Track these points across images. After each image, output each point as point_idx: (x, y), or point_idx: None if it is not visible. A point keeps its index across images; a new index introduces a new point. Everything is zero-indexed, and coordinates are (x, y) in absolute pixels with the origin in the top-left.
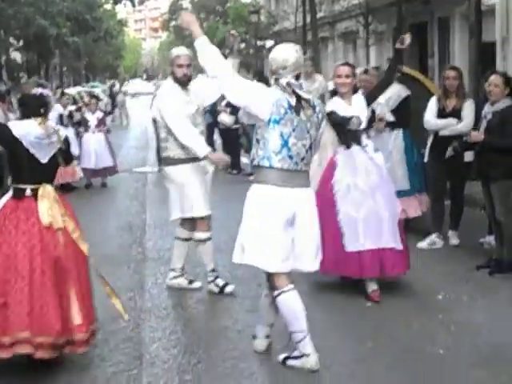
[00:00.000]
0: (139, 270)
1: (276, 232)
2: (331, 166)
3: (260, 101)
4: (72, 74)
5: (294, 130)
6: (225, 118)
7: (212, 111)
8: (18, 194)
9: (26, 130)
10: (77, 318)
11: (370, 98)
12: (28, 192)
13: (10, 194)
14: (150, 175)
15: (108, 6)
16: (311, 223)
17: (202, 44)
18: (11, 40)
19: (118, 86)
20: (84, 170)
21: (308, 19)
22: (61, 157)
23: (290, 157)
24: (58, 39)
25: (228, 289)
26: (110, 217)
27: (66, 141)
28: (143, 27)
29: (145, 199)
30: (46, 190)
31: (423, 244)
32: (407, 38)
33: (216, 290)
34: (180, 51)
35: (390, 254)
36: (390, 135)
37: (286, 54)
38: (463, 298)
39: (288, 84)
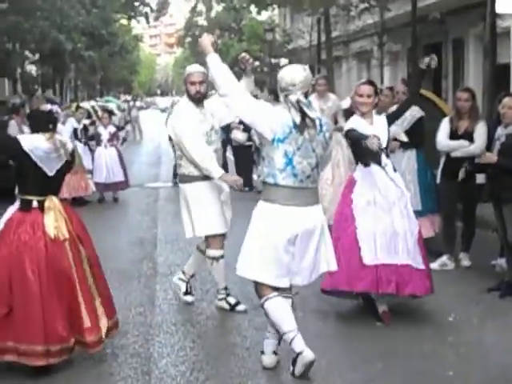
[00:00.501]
0: (150, 285)
1: (275, 252)
2: (350, 183)
3: (265, 120)
4: (86, 88)
5: (298, 149)
6: (238, 135)
7: (225, 128)
8: (25, 206)
9: (34, 144)
10: (87, 321)
11: (392, 118)
12: (35, 204)
13: (16, 205)
14: (161, 190)
15: (124, 21)
16: (313, 241)
17: (213, 61)
18: (27, 53)
19: (132, 101)
20: (96, 184)
21: (323, 38)
22: (67, 168)
23: (295, 175)
24: (73, 53)
25: (239, 307)
26: (121, 231)
27: (72, 153)
28: (158, 43)
29: (156, 214)
30: (52, 202)
31: (434, 265)
32: (434, 59)
33: (227, 307)
34: (193, 69)
35: (406, 271)
36: (403, 155)
37: (294, 72)
38: (473, 320)
39: (297, 101)
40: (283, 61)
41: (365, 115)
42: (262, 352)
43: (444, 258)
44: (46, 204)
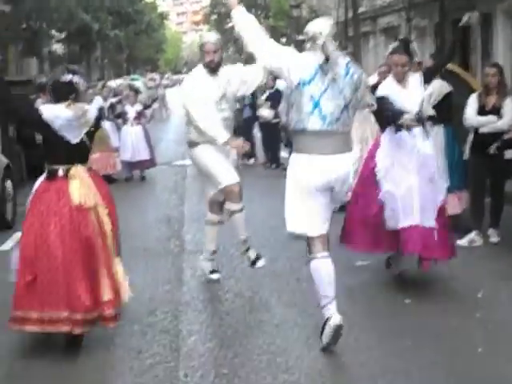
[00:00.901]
0: (177, 263)
1: (303, 202)
2: (376, 145)
3: (290, 63)
4: (113, 66)
5: (325, 91)
6: (264, 113)
7: (252, 105)
8: (51, 175)
9: (55, 113)
10: (107, 294)
11: (427, 77)
12: (60, 172)
13: (44, 174)
14: (189, 168)
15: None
16: (344, 188)
17: (239, 14)
18: (53, 32)
19: (159, 78)
20: (122, 162)
21: (350, 14)
22: (91, 137)
23: (323, 117)
24: (99, 33)
25: (259, 263)
26: (148, 209)
27: (98, 119)
28: (184, 20)
29: (184, 192)
30: (78, 170)
31: (463, 242)
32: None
33: (247, 261)
34: (206, 38)
35: (429, 233)
36: (431, 131)
37: (321, 23)
38: (502, 297)
39: (323, 44)
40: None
41: (399, 79)
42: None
43: (472, 235)
44: (71, 172)
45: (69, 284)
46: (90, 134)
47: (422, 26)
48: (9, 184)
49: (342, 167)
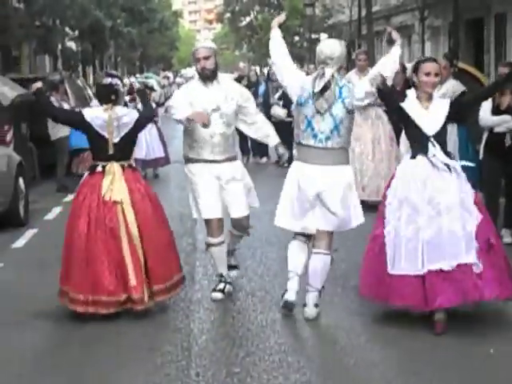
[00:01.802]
0: (189, 261)
1: (291, 201)
2: (391, 178)
3: (293, 83)
4: (126, 64)
5: (317, 112)
6: (278, 111)
7: (265, 104)
8: (92, 170)
9: (94, 114)
10: (133, 280)
11: (463, 111)
12: (99, 168)
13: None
14: None
15: None
16: (335, 196)
17: (274, 35)
18: (67, 30)
19: (172, 77)
20: (135, 160)
21: (363, 13)
22: (130, 137)
23: (315, 135)
24: (112, 30)
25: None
26: None
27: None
28: (198, 19)
29: None
30: (113, 167)
31: None
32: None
33: (219, 296)
34: (199, 44)
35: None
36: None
37: (333, 46)
38: None
39: (332, 75)
40: (323, 36)
41: (422, 97)
42: (304, 305)
43: None
44: (106, 168)
45: (94, 271)
46: (130, 135)
47: (435, 26)
48: (21, 181)
49: (330, 176)
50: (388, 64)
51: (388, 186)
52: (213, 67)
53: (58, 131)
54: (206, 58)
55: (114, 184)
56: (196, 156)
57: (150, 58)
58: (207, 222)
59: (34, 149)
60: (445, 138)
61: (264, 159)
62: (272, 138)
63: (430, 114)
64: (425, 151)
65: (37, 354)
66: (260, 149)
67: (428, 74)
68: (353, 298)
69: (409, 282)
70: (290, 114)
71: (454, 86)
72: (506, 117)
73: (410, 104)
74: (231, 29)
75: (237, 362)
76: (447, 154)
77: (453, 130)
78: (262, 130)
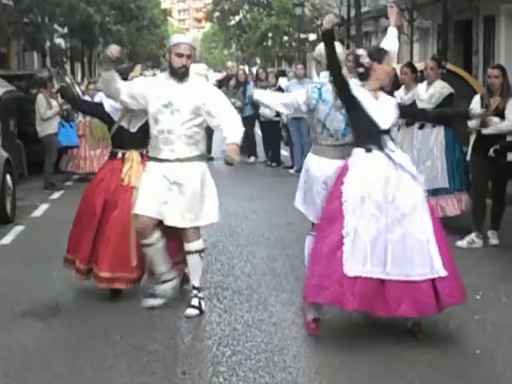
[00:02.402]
0: None
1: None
2: (343, 172)
3: (300, 96)
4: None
5: (328, 114)
6: (266, 111)
7: (253, 103)
8: (112, 156)
9: (114, 106)
10: (134, 260)
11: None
12: (119, 155)
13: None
14: None
15: None
16: None
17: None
18: (56, 26)
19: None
20: None
21: (352, 13)
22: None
23: (331, 135)
24: (101, 27)
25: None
26: None
27: None
28: (187, 17)
29: None
30: (131, 155)
31: (462, 243)
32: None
33: (156, 303)
34: (180, 39)
35: (400, 287)
36: (432, 132)
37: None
38: (501, 299)
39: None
40: (312, 36)
41: (372, 90)
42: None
43: (472, 236)
44: (126, 156)
45: (94, 248)
46: (146, 125)
47: (424, 27)
48: (8, 178)
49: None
50: (388, 40)
51: (339, 182)
52: (189, 66)
53: (46, 128)
54: (189, 57)
55: (133, 170)
56: (151, 153)
57: (139, 55)
58: (139, 218)
59: (22, 146)
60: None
61: (252, 158)
62: (230, 136)
63: (381, 108)
64: (380, 146)
65: (24, 353)
66: (248, 148)
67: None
68: None
69: (369, 285)
70: (278, 114)
71: (441, 88)
72: (494, 118)
73: (362, 94)
74: (220, 28)
75: (223, 361)
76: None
77: (439, 132)
78: (226, 130)
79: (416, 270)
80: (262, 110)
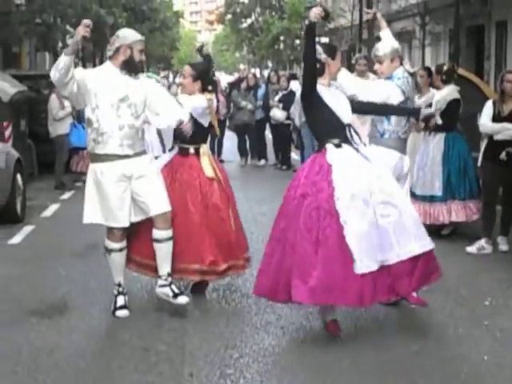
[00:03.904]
0: None
1: None
2: (322, 169)
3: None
4: None
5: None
6: (277, 113)
7: (264, 106)
8: (183, 152)
9: (195, 104)
10: (236, 248)
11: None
12: (191, 151)
13: (174, 151)
14: None
15: None
16: None
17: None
18: (67, 27)
19: (171, 77)
20: None
21: (365, 17)
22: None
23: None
24: (113, 28)
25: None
26: None
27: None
28: (199, 20)
29: None
30: (205, 149)
31: (472, 249)
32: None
33: (127, 313)
34: (137, 35)
35: (401, 267)
36: (434, 138)
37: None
38: (510, 305)
39: None
40: (324, 39)
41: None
42: None
43: (482, 242)
44: (201, 150)
45: (198, 242)
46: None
47: (436, 32)
48: (19, 178)
49: None
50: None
51: (324, 179)
52: (140, 61)
53: (58, 128)
54: (142, 52)
55: (213, 164)
56: (102, 151)
57: (150, 57)
58: (111, 228)
59: (33, 146)
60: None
61: (262, 161)
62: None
63: (339, 101)
64: (347, 140)
65: (32, 351)
66: (258, 151)
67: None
68: None
69: (380, 274)
70: (289, 117)
71: (447, 94)
72: (506, 124)
73: (321, 90)
74: (232, 30)
75: (230, 363)
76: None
77: (441, 138)
78: (169, 116)
79: (416, 244)
80: (273, 114)
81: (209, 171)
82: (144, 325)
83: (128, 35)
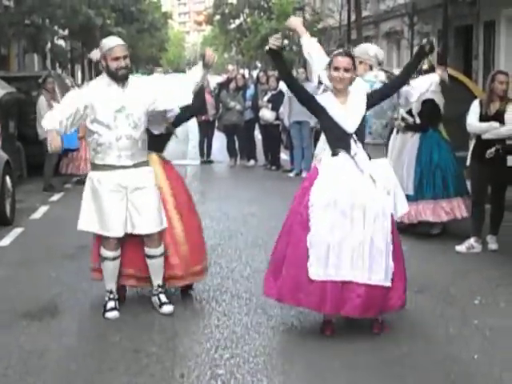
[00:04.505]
0: None
1: None
2: (311, 176)
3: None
4: None
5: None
6: (266, 114)
7: (253, 107)
8: None
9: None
10: (175, 258)
11: (375, 98)
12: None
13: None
14: (189, 168)
15: None
16: None
17: (306, 40)
18: (56, 28)
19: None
20: None
21: (353, 18)
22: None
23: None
24: (102, 30)
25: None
26: None
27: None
28: (187, 20)
29: None
30: (154, 158)
31: (461, 248)
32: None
33: (117, 314)
34: (113, 42)
35: (361, 290)
36: (412, 138)
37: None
38: (500, 303)
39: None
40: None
41: (338, 93)
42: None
43: (471, 241)
44: (152, 158)
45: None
46: (168, 130)
47: (424, 32)
48: (8, 180)
49: None
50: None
51: (308, 186)
52: (128, 67)
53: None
54: (125, 57)
55: (156, 171)
56: (101, 162)
57: (139, 58)
58: (106, 236)
59: (22, 148)
60: (363, 133)
61: (252, 162)
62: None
63: (348, 110)
64: (347, 149)
65: (22, 354)
66: (248, 152)
67: (337, 69)
68: None
69: (335, 287)
70: (278, 117)
71: (427, 93)
72: (493, 123)
73: (327, 98)
74: (220, 31)
75: (221, 364)
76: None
77: (416, 138)
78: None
79: (371, 275)
80: (262, 113)
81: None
82: (134, 326)
83: (103, 44)
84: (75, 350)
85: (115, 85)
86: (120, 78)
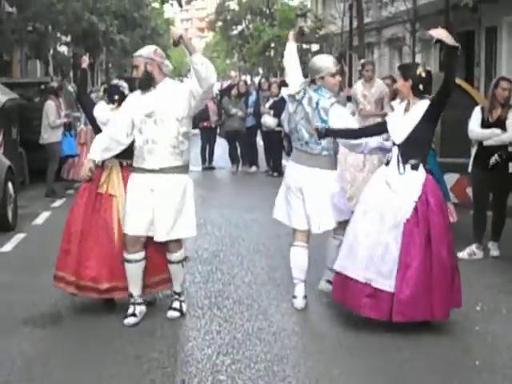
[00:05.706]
0: None
1: (282, 194)
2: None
3: (289, 94)
4: (118, 70)
5: (300, 119)
6: (268, 120)
7: (255, 113)
8: (99, 164)
9: (100, 111)
10: (121, 269)
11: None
12: (100, 163)
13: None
14: (191, 174)
15: (156, 5)
16: (312, 195)
17: (290, 49)
18: (59, 35)
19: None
20: None
21: (355, 24)
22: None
23: (298, 139)
24: (105, 36)
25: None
26: None
27: None
28: (190, 27)
29: None
30: (112, 162)
31: (463, 254)
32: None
33: (132, 321)
34: (136, 52)
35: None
36: None
37: (326, 60)
38: (501, 310)
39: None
40: (314, 46)
41: (405, 104)
42: (294, 296)
43: (473, 247)
44: (106, 163)
45: (79, 256)
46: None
47: (426, 39)
48: (10, 186)
49: (310, 175)
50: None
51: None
52: (140, 76)
53: (52, 136)
54: (136, 67)
55: (111, 178)
56: (136, 165)
57: None
58: (125, 235)
59: (24, 154)
60: (415, 145)
61: (253, 168)
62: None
63: (404, 122)
64: (396, 159)
65: (25, 360)
66: (249, 158)
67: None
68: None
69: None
70: (280, 124)
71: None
72: (495, 130)
73: (395, 113)
74: (223, 37)
75: (222, 370)
76: (415, 165)
77: None
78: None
79: (380, 279)
80: (264, 120)
81: (103, 186)
82: (136, 333)
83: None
84: (77, 356)
85: (142, 91)
86: (138, 87)
